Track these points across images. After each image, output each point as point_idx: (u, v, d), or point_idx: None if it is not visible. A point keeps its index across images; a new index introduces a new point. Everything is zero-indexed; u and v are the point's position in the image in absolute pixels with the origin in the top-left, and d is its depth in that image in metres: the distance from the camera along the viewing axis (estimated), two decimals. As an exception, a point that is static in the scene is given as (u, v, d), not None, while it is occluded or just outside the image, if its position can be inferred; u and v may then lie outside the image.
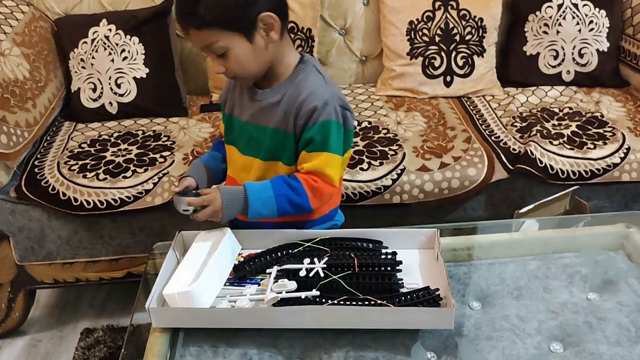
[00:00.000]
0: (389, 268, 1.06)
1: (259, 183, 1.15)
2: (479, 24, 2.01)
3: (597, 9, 2.03)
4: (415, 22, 2.00)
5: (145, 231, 1.63)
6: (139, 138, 1.79)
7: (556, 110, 1.92)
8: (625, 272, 1.16)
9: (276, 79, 1.16)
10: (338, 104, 1.13)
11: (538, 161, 1.67)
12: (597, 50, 2.04)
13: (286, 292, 1.02)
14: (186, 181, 1.21)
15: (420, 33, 2.00)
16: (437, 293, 1.01)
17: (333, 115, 1.12)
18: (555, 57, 2.05)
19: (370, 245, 1.13)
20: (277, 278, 1.05)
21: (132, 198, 1.57)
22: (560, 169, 1.67)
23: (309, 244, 1.12)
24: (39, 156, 1.71)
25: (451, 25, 2.00)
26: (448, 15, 2.00)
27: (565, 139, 1.75)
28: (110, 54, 1.87)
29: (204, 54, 1.13)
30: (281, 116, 1.14)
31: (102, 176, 1.61)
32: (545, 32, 2.04)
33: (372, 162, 1.65)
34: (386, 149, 1.71)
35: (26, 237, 1.61)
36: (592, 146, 1.72)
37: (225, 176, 1.29)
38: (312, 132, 1.11)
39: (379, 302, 0.99)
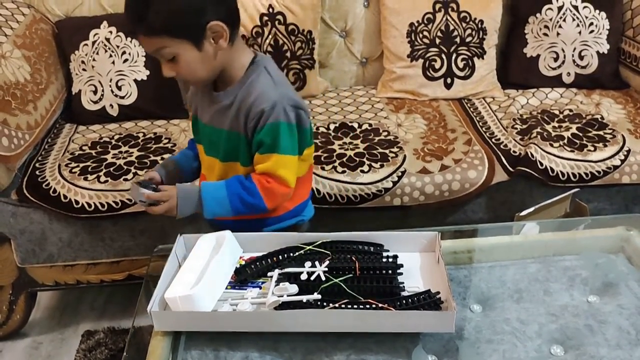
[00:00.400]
0: (390, 271, 1.06)
1: (214, 183, 1.21)
2: (479, 26, 2.02)
3: (597, 11, 2.04)
4: (416, 24, 2.00)
5: (146, 234, 1.63)
6: (139, 140, 1.80)
7: (556, 112, 1.93)
8: (625, 275, 1.16)
9: (230, 82, 1.18)
10: (288, 104, 1.14)
11: (538, 163, 1.67)
12: (597, 52, 2.04)
13: (287, 296, 1.02)
14: (151, 173, 1.27)
15: (421, 35, 2.00)
16: (438, 296, 1.01)
17: (282, 117, 1.13)
18: (556, 59, 2.05)
19: (372, 249, 1.13)
20: (278, 281, 1.06)
21: (133, 200, 1.57)
22: (561, 171, 1.67)
23: (310, 247, 1.12)
24: (40, 158, 1.72)
25: (451, 27, 2.01)
26: (448, 17, 2.01)
27: (565, 141, 1.75)
28: (111, 56, 1.88)
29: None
30: (233, 119, 1.17)
31: (103, 178, 1.61)
32: (545, 34, 2.04)
33: (373, 164, 1.65)
34: (387, 151, 1.71)
35: (27, 239, 1.62)
36: (592, 148, 1.72)
37: (197, 174, 1.34)
38: (262, 134, 1.14)
39: (380, 305, 0.99)
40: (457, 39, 2.01)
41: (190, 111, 1.32)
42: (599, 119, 1.87)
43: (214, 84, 1.21)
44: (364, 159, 1.67)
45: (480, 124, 1.89)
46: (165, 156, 1.70)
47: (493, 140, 1.79)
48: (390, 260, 1.09)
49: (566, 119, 1.88)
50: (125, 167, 1.66)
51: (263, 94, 1.13)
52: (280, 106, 1.13)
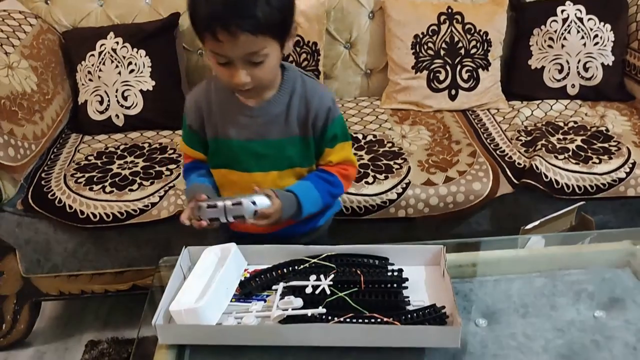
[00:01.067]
0: (395, 285, 1.06)
1: (303, 185, 1.19)
2: (484, 37, 2.02)
3: (602, 23, 2.04)
4: (421, 36, 2.01)
5: (150, 244, 1.63)
6: (145, 151, 1.80)
7: (561, 124, 1.93)
8: (632, 289, 1.16)
9: (268, 90, 1.15)
10: (334, 97, 1.22)
11: (543, 176, 1.67)
12: (602, 64, 2.04)
13: (292, 309, 1.02)
14: (204, 197, 1.15)
15: (426, 47, 2.01)
16: (443, 311, 1.01)
17: (338, 109, 1.21)
18: (560, 71, 2.05)
19: (377, 262, 1.13)
20: (283, 295, 1.05)
21: (138, 211, 1.57)
22: (566, 184, 1.67)
23: (315, 260, 1.12)
24: (45, 168, 1.72)
25: (456, 39, 2.01)
26: (453, 29, 2.01)
27: (570, 153, 1.75)
28: (117, 66, 1.89)
29: (222, 63, 1.05)
30: (295, 125, 1.17)
31: (108, 189, 1.61)
32: (550, 46, 2.04)
33: (377, 175, 1.65)
34: (391, 162, 1.71)
35: (32, 249, 1.62)
36: (597, 161, 1.72)
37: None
38: (333, 129, 1.19)
39: (385, 319, 0.99)
40: (462, 51, 2.01)
41: (194, 132, 1.22)
42: (604, 131, 1.87)
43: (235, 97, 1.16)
44: (369, 170, 1.67)
45: (485, 135, 1.89)
46: (171, 167, 1.70)
47: (498, 152, 1.79)
48: (395, 273, 1.09)
49: (571, 131, 1.88)
50: (130, 177, 1.66)
51: (323, 94, 1.19)
52: (335, 101, 1.20)
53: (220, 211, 1.10)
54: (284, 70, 1.17)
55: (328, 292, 1.04)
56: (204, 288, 1.06)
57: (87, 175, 1.68)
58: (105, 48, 1.90)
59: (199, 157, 1.26)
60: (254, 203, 1.10)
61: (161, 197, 1.59)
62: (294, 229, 1.24)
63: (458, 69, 2.01)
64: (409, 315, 1.00)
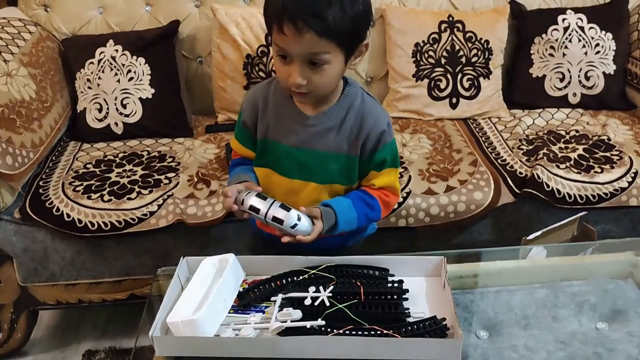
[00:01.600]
0: (395, 297, 1.05)
1: (343, 203, 1.17)
2: (485, 46, 2.01)
3: (604, 32, 2.03)
4: (421, 44, 2.00)
5: (149, 253, 1.62)
6: (144, 159, 1.79)
7: (563, 133, 1.92)
8: (634, 301, 1.15)
9: (326, 102, 1.15)
10: (390, 121, 1.19)
11: (545, 185, 1.66)
12: (604, 73, 2.04)
13: (291, 321, 1.00)
14: (248, 184, 1.16)
15: (426, 55, 2.00)
16: (444, 323, 0.99)
17: (393, 134, 1.19)
18: (562, 80, 2.04)
19: (377, 273, 1.12)
20: (281, 306, 1.04)
21: (137, 220, 1.56)
22: (567, 193, 1.65)
23: (314, 271, 1.11)
24: (43, 176, 1.71)
25: (457, 47, 2.00)
26: (454, 38, 2.00)
27: (572, 162, 1.74)
28: (116, 74, 1.88)
29: (283, 59, 1.05)
30: (345, 141, 1.15)
31: (106, 197, 1.60)
32: (551, 55, 2.04)
33: (378, 185, 1.64)
34: (392, 171, 1.70)
35: (30, 258, 1.61)
36: (599, 170, 1.71)
37: None
38: (383, 153, 1.17)
39: (385, 332, 0.97)
40: (463, 59, 2.01)
41: (247, 129, 1.21)
42: (606, 140, 1.86)
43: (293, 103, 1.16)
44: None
45: (486, 144, 1.88)
46: (170, 175, 1.69)
47: (499, 161, 1.78)
48: (396, 285, 1.08)
49: (572, 140, 1.87)
50: (129, 185, 1.65)
51: (379, 116, 1.16)
52: (391, 125, 1.18)
53: (266, 204, 1.09)
54: (346, 85, 1.17)
55: (327, 303, 1.03)
56: (201, 299, 1.05)
57: (85, 183, 1.66)
58: (104, 56, 1.89)
59: (247, 155, 1.25)
60: (299, 218, 1.09)
61: (160, 206, 1.58)
62: (320, 244, 1.18)
63: (459, 77, 2.01)
64: (409, 328, 0.99)
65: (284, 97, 1.16)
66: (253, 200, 1.10)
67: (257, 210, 1.10)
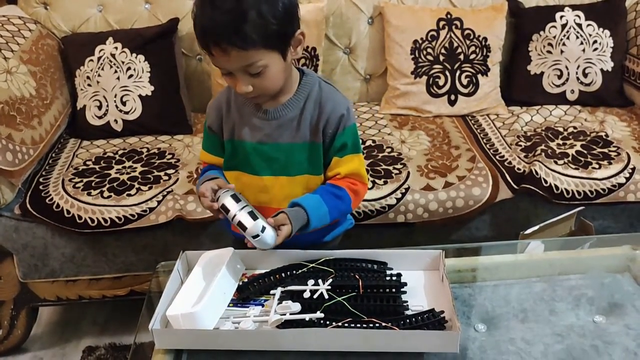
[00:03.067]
0: (393, 290, 1.06)
1: (312, 199, 1.16)
2: (483, 43, 2.02)
3: (601, 29, 2.04)
4: (420, 41, 2.01)
5: (148, 249, 1.63)
6: (143, 156, 1.80)
7: (560, 129, 1.92)
8: (631, 294, 1.15)
9: (283, 94, 1.16)
10: (351, 107, 1.19)
11: (543, 181, 1.66)
12: (602, 69, 2.04)
13: (290, 314, 1.01)
14: (219, 181, 1.17)
15: (425, 52, 2.01)
16: (442, 316, 1.00)
17: (353, 119, 1.19)
18: (560, 77, 2.05)
19: (375, 267, 1.13)
20: (281, 299, 1.05)
21: (136, 216, 1.57)
22: (565, 189, 1.66)
23: (313, 264, 1.12)
24: (43, 173, 1.72)
25: (455, 45, 2.01)
26: (452, 35, 2.01)
27: (570, 158, 1.75)
28: (116, 71, 1.89)
29: (225, 73, 1.09)
30: (307, 129, 1.16)
31: (106, 194, 1.61)
32: (549, 52, 2.04)
33: (377, 181, 1.65)
34: (390, 167, 1.71)
35: (30, 254, 1.61)
36: (597, 166, 1.71)
37: None
38: (343, 137, 1.17)
39: (383, 324, 0.98)
40: (461, 56, 2.01)
41: (213, 134, 1.23)
42: (604, 137, 1.86)
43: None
44: (368, 176, 1.66)
45: (484, 141, 1.89)
46: (169, 172, 1.70)
47: (497, 157, 1.78)
48: (394, 278, 1.09)
49: (570, 137, 1.87)
50: (128, 182, 1.66)
51: (338, 101, 1.17)
52: (351, 110, 1.18)
53: (237, 207, 1.10)
54: (302, 75, 1.18)
55: (326, 296, 1.04)
56: (201, 292, 1.06)
57: (85, 180, 1.67)
58: (104, 53, 1.90)
59: (217, 162, 1.26)
60: (262, 229, 1.09)
61: (159, 202, 1.59)
62: (297, 239, 1.19)
63: (457, 74, 2.01)
64: (408, 320, 0.99)
65: (243, 97, 1.16)
66: (227, 200, 1.11)
67: (227, 211, 1.11)
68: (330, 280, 1.06)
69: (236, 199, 1.11)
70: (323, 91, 1.17)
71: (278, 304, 1.04)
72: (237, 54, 1.03)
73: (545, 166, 1.69)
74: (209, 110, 1.24)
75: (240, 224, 1.09)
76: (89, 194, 1.61)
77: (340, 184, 1.19)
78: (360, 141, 1.22)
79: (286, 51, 1.09)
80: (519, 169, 1.72)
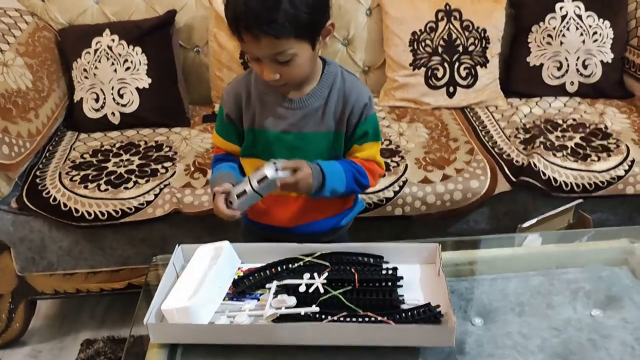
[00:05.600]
0: (389, 284, 1.05)
1: (329, 163, 1.17)
2: (482, 34, 2.01)
3: (601, 20, 2.03)
4: (418, 33, 2.00)
5: (146, 242, 1.63)
6: (141, 148, 1.79)
7: (560, 121, 1.91)
8: (629, 288, 1.15)
9: (308, 84, 1.17)
10: (371, 95, 1.22)
11: (541, 173, 1.65)
12: (601, 61, 2.03)
13: (285, 308, 1.01)
14: (226, 185, 1.16)
15: (423, 44, 2.00)
16: (438, 310, 0.99)
17: (374, 108, 1.22)
18: (559, 68, 2.04)
19: (371, 260, 1.12)
20: (276, 293, 1.04)
21: (133, 209, 1.57)
22: (564, 182, 1.65)
23: (309, 258, 1.11)
24: (40, 166, 1.71)
25: (454, 36, 2.00)
26: (451, 26, 2.00)
27: (568, 150, 1.74)
28: (113, 64, 1.88)
29: (253, 58, 1.09)
30: (332, 119, 1.18)
31: (103, 187, 1.61)
32: (548, 43, 2.03)
33: (374, 173, 1.64)
34: (388, 160, 1.70)
35: (27, 247, 1.61)
36: (596, 158, 1.71)
37: None
38: (365, 126, 1.20)
39: (379, 318, 0.98)
40: (460, 48, 2.00)
41: (231, 121, 1.22)
42: (603, 129, 1.85)
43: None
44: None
45: (483, 133, 1.88)
46: (166, 165, 1.69)
47: (496, 149, 1.78)
48: (390, 272, 1.08)
49: (569, 129, 1.87)
50: (126, 175, 1.65)
51: (361, 90, 1.19)
52: (372, 98, 1.21)
53: (245, 182, 1.11)
54: (325, 65, 1.19)
55: (322, 290, 1.03)
56: (196, 286, 1.05)
57: (82, 173, 1.67)
58: (101, 45, 1.89)
59: (231, 150, 1.26)
60: (274, 163, 1.10)
61: (156, 195, 1.58)
62: (315, 226, 1.22)
63: (456, 66, 2.00)
64: (403, 314, 0.99)
65: (265, 86, 1.17)
66: (235, 190, 1.12)
67: (244, 194, 1.11)
68: (326, 274, 1.06)
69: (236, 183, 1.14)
70: (346, 81, 1.19)
71: (273, 298, 1.03)
72: (269, 41, 1.04)
73: (544, 158, 1.68)
74: (227, 97, 1.23)
75: (260, 181, 1.09)
76: (86, 187, 1.61)
77: (356, 161, 1.22)
78: (379, 130, 1.24)
79: (316, 41, 1.10)
80: (517, 161, 1.71)
